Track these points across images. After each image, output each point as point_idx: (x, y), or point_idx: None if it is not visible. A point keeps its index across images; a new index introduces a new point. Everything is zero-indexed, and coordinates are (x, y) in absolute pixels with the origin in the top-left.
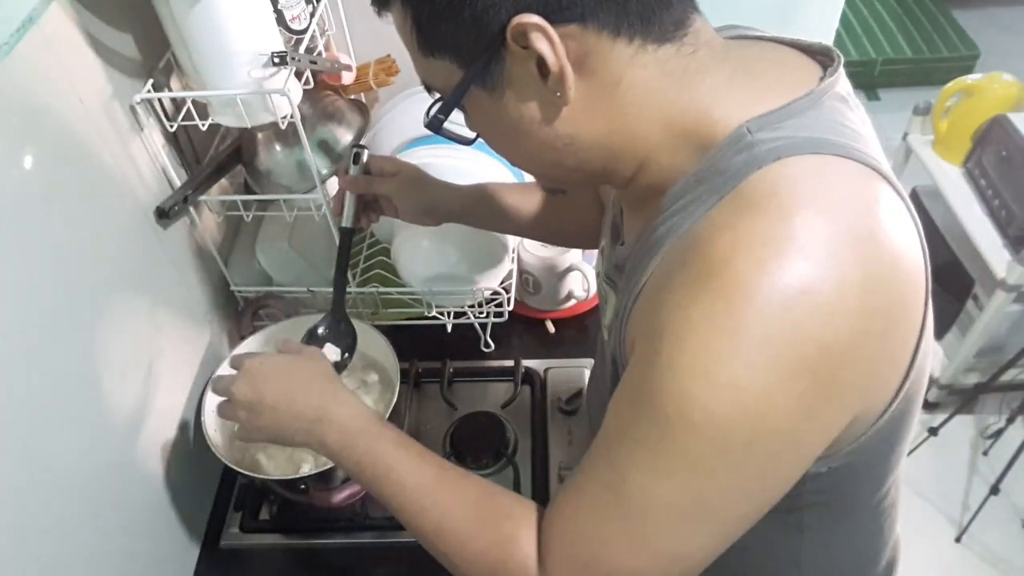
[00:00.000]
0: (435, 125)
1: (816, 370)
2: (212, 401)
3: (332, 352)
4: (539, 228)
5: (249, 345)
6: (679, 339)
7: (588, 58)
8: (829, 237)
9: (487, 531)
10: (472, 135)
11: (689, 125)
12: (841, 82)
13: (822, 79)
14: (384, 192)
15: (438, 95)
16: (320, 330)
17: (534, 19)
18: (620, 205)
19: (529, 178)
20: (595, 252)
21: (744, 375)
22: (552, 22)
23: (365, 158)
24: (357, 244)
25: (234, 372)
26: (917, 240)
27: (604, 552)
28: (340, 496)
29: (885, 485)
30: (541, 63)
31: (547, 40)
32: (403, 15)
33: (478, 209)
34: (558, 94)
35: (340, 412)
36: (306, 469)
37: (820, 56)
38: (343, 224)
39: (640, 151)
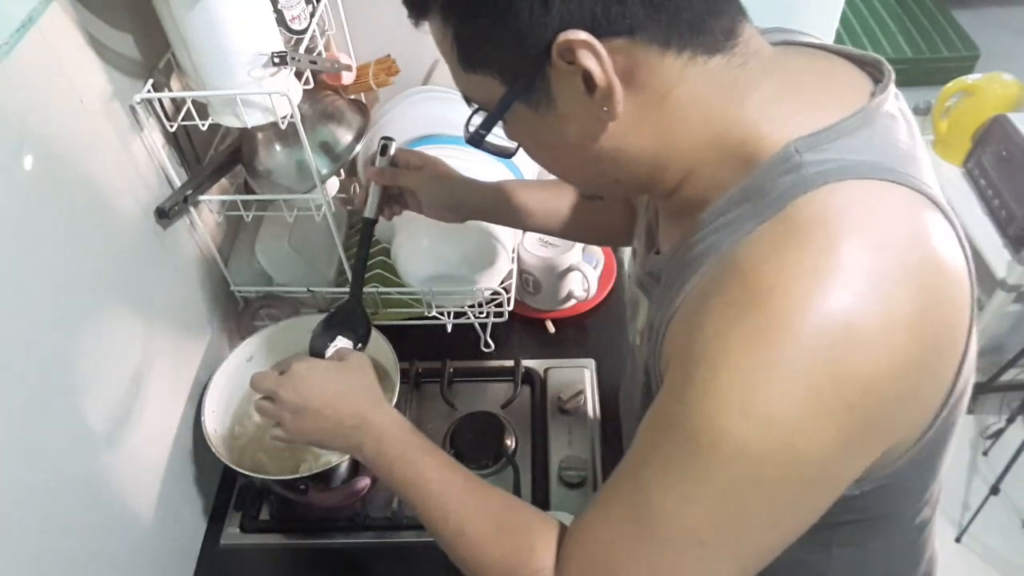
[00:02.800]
0: (476, 140)
1: (855, 406)
2: (212, 401)
3: (344, 343)
4: (565, 226)
5: (249, 345)
6: (715, 368)
7: (636, 71)
8: (877, 270)
9: (505, 540)
10: (513, 146)
11: (736, 140)
12: (892, 98)
13: (873, 94)
14: (409, 185)
15: (476, 106)
16: (336, 318)
17: (581, 36)
18: (656, 211)
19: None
20: (595, 251)
21: (781, 410)
22: (599, 36)
23: (393, 150)
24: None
25: (272, 373)
26: (965, 267)
27: (624, 573)
28: (340, 496)
29: (924, 499)
30: (588, 78)
31: (594, 56)
32: (443, 31)
33: (502, 206)
34: (605, 109)
35: (377, 419)
36: (306, 469)
37: (869, 67)
38: (366, 215)
39: (685, 164)
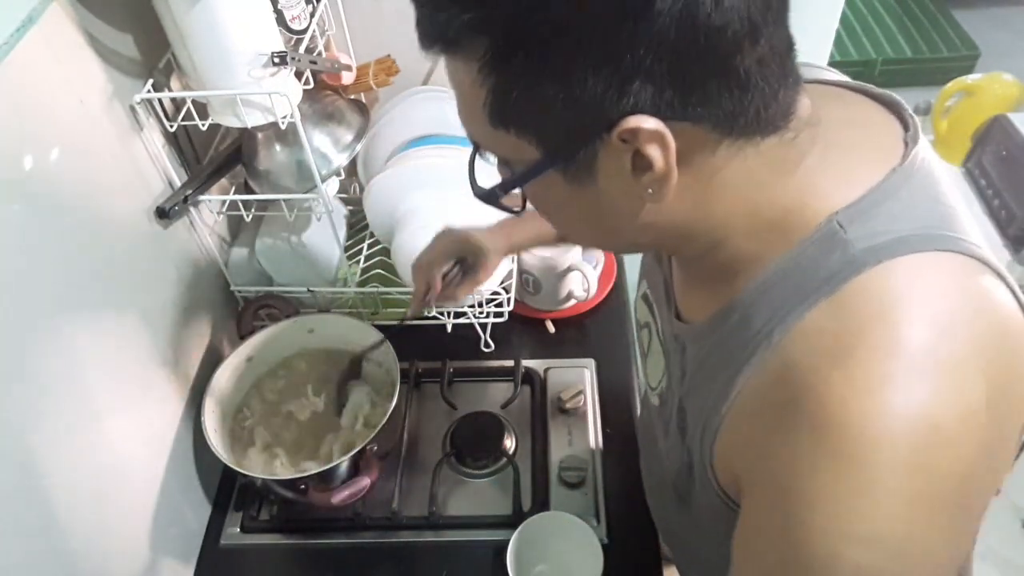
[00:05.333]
0: (491, 199)
1: (956, 500)
2: (212, 401)
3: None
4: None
5: (249, 345)
6: (809, 498)
7: (689, 153)
8: (946, 359)
9: None
10: (520, 205)
11: (777, 213)
12: (923, 143)
13: (906, 142)
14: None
15: (480, 148)
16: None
17: (652, 124)
18: (670, 265)
19: None
20: (595, 251)
21: (888, 526)
22: (666, 120)
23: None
24: (357, 244)
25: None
26: (1023, 319)
27: None
28: (340, 496)
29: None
30: (637, 158)
31: (660, 146)
32: (475, 78)
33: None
34: (650, 191)
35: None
36: (306, 469)
37: (891, 106)
38: (412, 315)
39: (718, 233)
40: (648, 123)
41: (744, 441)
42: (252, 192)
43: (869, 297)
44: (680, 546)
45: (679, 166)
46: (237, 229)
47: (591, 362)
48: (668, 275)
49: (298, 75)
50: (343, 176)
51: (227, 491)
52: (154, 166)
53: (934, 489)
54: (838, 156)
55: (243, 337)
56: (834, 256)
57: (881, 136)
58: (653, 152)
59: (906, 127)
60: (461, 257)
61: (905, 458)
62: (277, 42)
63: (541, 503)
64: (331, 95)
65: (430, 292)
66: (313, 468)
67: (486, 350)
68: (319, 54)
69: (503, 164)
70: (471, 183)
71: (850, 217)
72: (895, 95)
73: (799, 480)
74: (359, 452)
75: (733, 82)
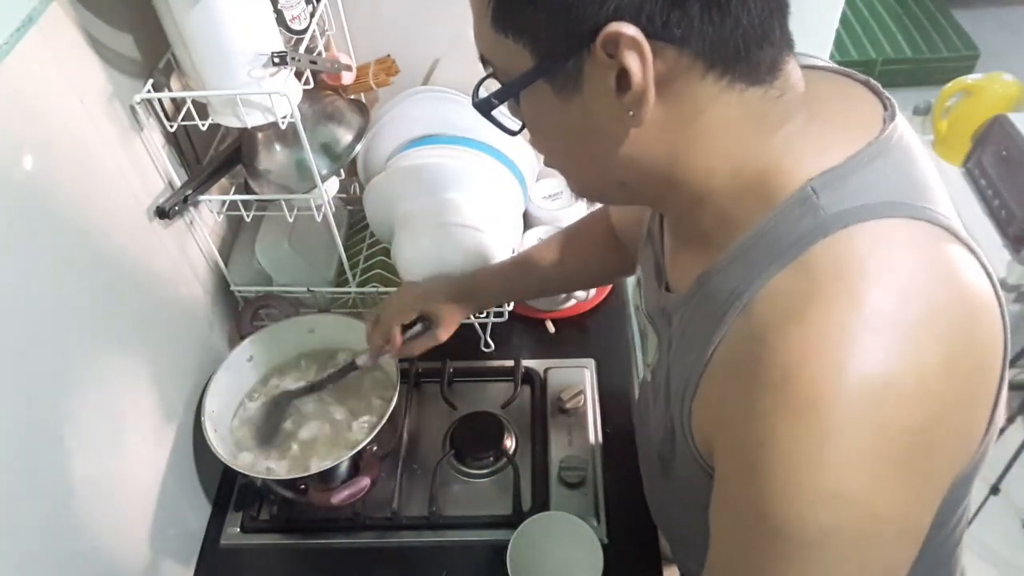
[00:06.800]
0: (484, 108)
1: (915, 456)
2: (212, 401)
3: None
4: (555, 284)
5: (249, 345)
6: (770, 459)
7: (673, 83)
8: (905, 320)
9: None
10: (517, 126)
11: (757, 174)
12: (901, 121)
13: (884, 119)
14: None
15: (491, 71)
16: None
17: (631, 31)
18: (662, 242)
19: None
20: None
21: (847, 483)
22: (649, 36)
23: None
24: (357, 244)
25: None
26: (992, 295)
27: None
28: (340, 496)
29: (957, 516)
30: (622, 77)
31: (639, 56)
32: None
33: (498, 294)
34: (631, 113)
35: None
36: (306, 469)
37: (870, 89)
38: (362, 363)
39: (700, 188)
40: (628, 29)
41: (715, 404)
42: (252, 192)
43: (832, 259)
44: (669, 526)
45: (662, 92)
46: (237, 229)
47: (591, 362)
48: (659, 252)
49: (298, 75)
50: (343, 176)
51: (227, 491)
52: (154, 166)
53: (891, 446)
54: (819, 125)
55: (243, 337)
56: (805, 221)
57: (862, 111)
58: (632, 63)
59: (885, 107)
60: (422, 314)
61: (860, 414)
62: (277, 42)
63: (541, 503)
64: (331, 95)
65: (389, 345)
66: (313, 468)
67: (486, 350)
68: (319, 54)
69: (501, 79)
70: (473, 95)
71: (824, 184)
72: (875, 81)
73: (760, 440)
74: (359, 452)
75: (714, 5)
